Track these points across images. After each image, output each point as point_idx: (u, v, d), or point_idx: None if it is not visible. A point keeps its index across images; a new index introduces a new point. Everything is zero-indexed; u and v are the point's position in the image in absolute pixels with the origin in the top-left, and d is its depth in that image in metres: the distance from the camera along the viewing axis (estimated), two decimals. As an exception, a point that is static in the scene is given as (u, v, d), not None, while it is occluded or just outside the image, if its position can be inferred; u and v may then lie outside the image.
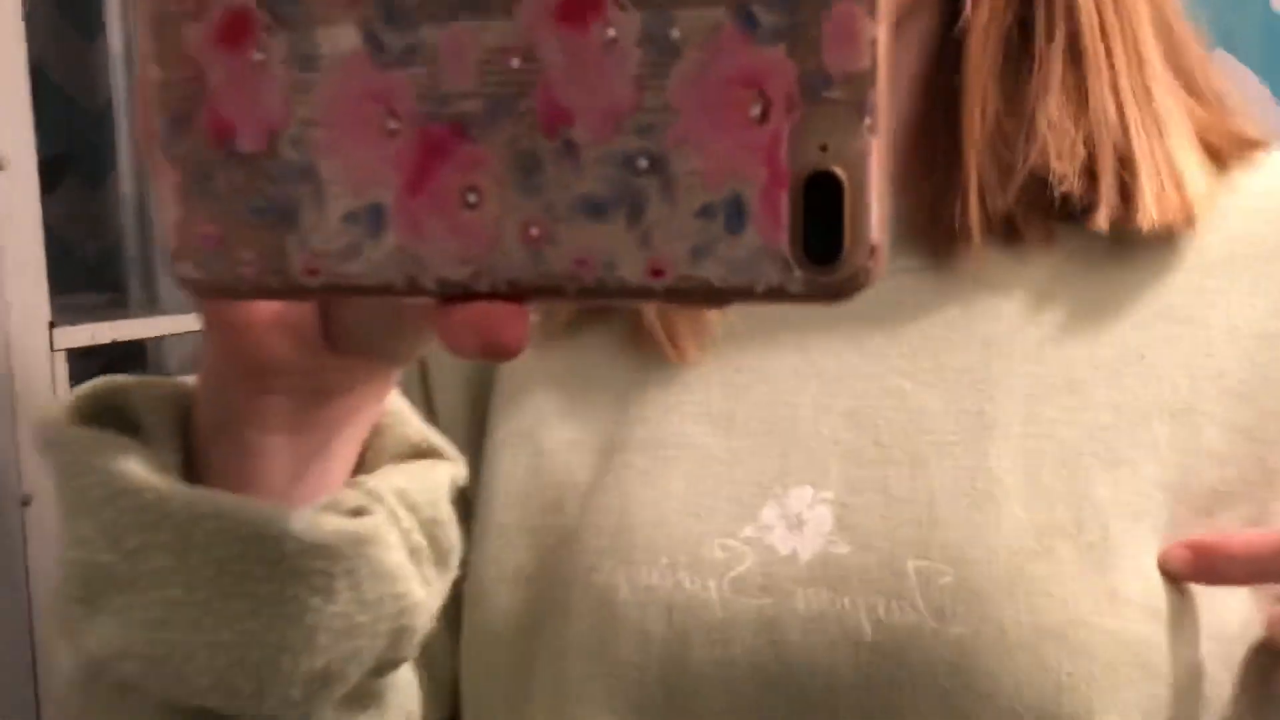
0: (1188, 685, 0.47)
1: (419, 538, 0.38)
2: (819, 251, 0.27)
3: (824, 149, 0.26)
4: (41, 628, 1.17)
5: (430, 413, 0.59)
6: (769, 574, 0.49)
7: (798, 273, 0.27)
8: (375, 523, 0.37)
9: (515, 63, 0.28)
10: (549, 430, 0.56)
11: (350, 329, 0.34)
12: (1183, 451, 0.49)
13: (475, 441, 0.58)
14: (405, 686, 0.45)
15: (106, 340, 1.30)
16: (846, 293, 0.27)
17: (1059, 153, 0.51)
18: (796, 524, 0.50)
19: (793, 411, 0.53)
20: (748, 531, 0.50)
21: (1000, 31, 0.52)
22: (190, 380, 0.39)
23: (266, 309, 0.34)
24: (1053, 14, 0.51)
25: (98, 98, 1.56)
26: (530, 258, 0.28)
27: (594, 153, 0.28)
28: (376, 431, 0.41)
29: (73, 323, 1.25)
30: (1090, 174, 0.51)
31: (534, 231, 0.28)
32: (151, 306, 1.54)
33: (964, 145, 0.52)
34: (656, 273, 0.27)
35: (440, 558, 0.40)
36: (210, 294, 0.32)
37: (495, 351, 0.28)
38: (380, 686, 0.42)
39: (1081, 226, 0.52)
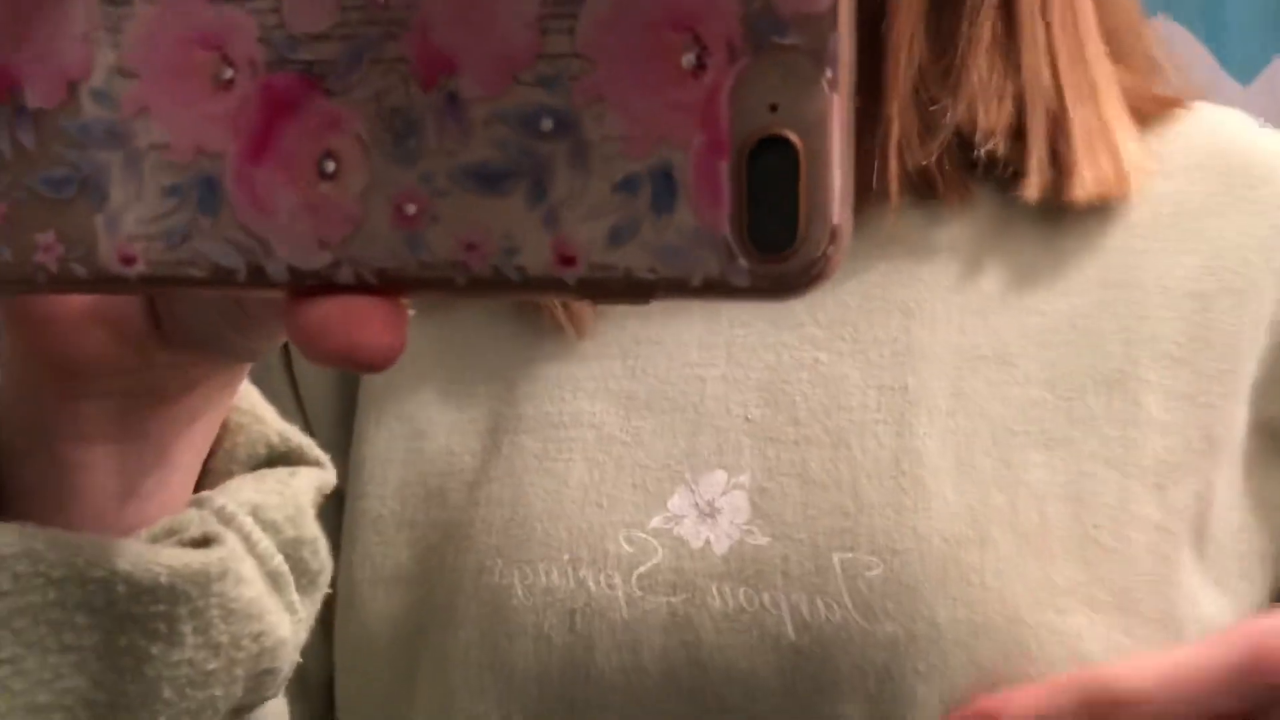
0: None
1: (279, 563, 0.33)
2: (768, 236, 0.22)
3: (774, 109, 0.21)
4: None
5: (295, 397, 0.53)
6: (680, 569, 0.45)
7: (741, 262, 0.22)
8: (224, 554, 0.31)
9: None
10: (428, 411, 0.50)
11: (184, 321, 0.28)
12: (1123, 423, 0.46)
13: (347, 426, 0.52)
14: (271, 715, 0.38)
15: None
16: (801, 286, 0.22)
17: (987, 109, 0.47)
18: (709, 513, 0.46)
19: (700, 386, 0.48)
20: (655, 522, 0.46)
21: None
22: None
23: (77, 298, 0.28)
24: None
25: None
26: (405, 241, 0.23)
27: (484, 110, 0.22)
28: (227, 431, 0.35)
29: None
30: (1018, 135, 0.47)
31: (409, 209, 0.23)
32: None
33: (885, 94, 0.47)
34: (566, 260, 0.22)
35: (308, 581, 0.34)
36: (1, 288, 0.25)
37: (361, 358, 0.23)
38: None
39: (1002, 188, 0.48)
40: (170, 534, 0.31)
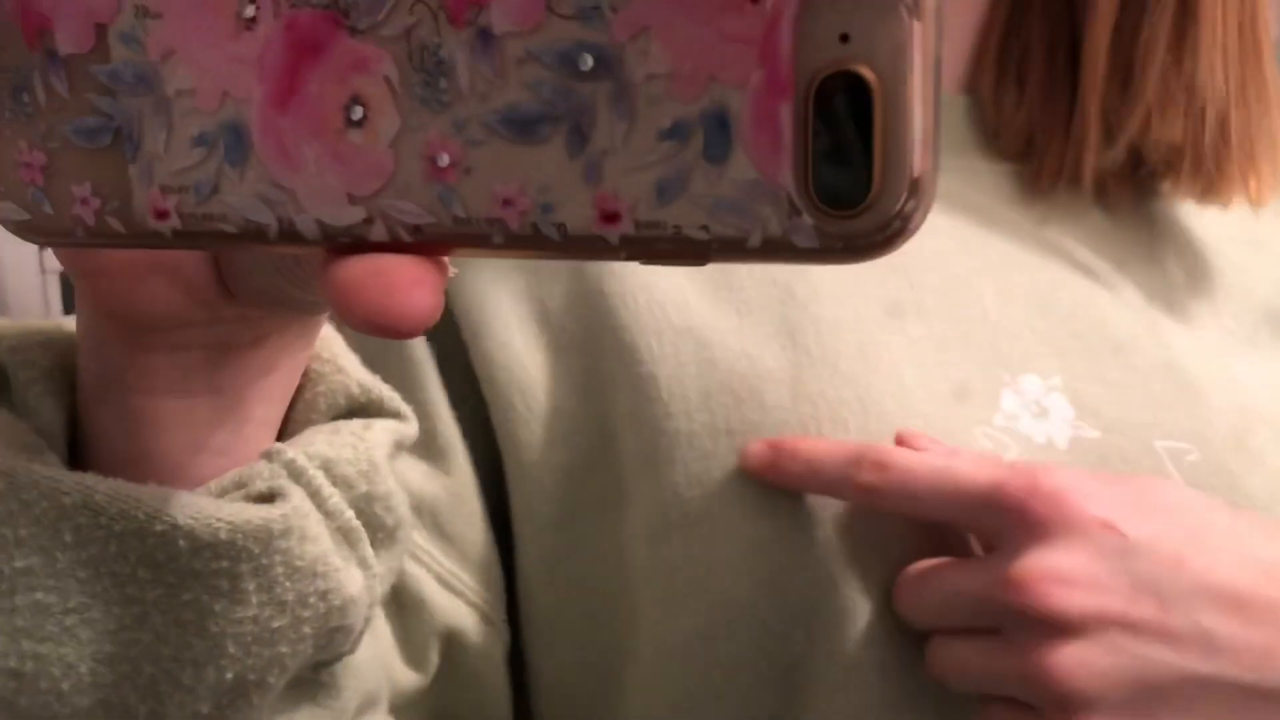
0: None
1: (350, 519, 0.31)
2: (837, 188, 0.19)
3: (845, 39, 0.18)
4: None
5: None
6: (1035, 461, 0.45)
7: (806, 218, 0.19)
8: (288, 510, 0.30)
9: None
10: (703, 318, 0.46)
11: (245, 275, 0.27)
12: None
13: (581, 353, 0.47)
14: (363, 665, 0.37)
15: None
16: (875, 247, 0.19)
17: (1162, 117, 0.50)
18: (1040, 412, 0.47)
19: (980, 300, 0.48)
20: (999, 420, 0.46)
21: None
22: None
23: (138, 250, 0.27)
24: None
25: None
26: (438, 196, 0.21)
27: (518, 47, 0.20)
28: (308, 381, 0.34)
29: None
30: (1185, 145, 0.50)
31: (442, 159, 0.20)
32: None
33: (1083, 91, 0.50)
34: (609, 217, 0.20)
35: (385, 535, 0.33)
36: (41, 240, 0.24)
37: (393, 324, 0.21)
38: (325, 676, 0.35)
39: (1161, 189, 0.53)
40: (238, 486, 0.30)
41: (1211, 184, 0.51)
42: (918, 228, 0.19)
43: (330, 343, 0.34)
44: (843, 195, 0.19)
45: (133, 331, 0.28)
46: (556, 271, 0.47)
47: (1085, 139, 0.51)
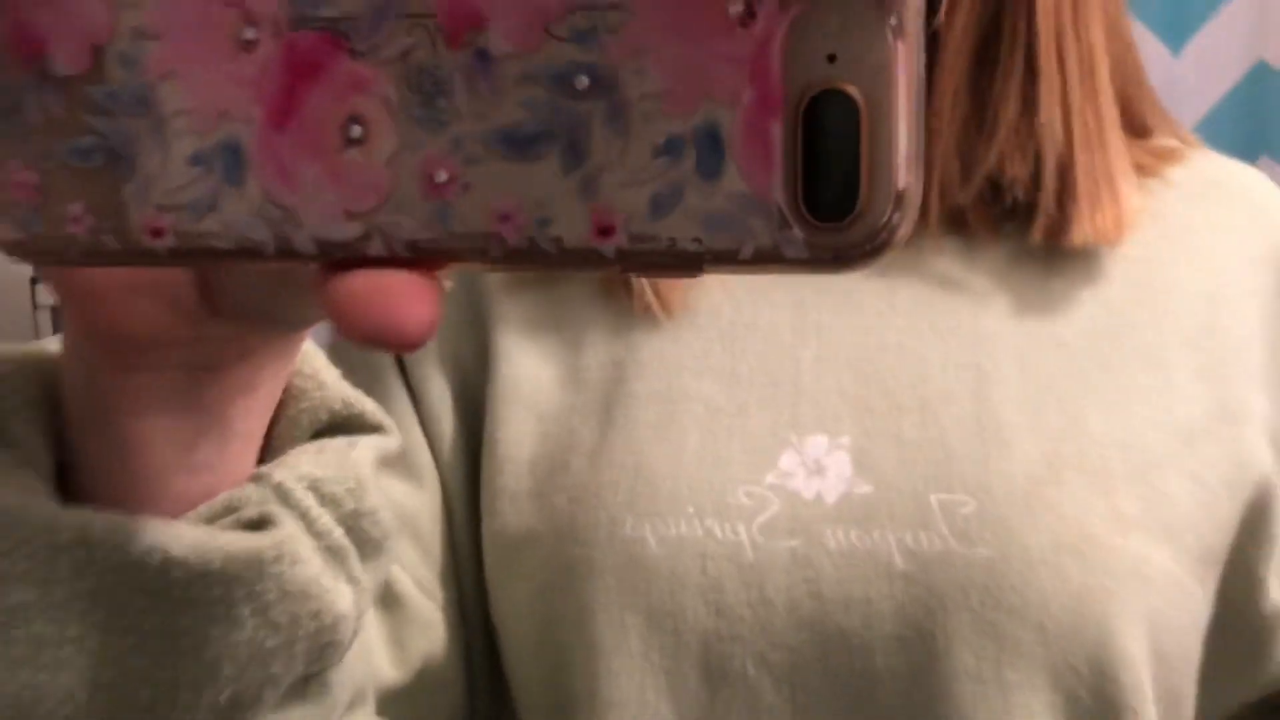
0: (1177, 599, 0.50)
1: (339, 538, 0.32)
2: (825, 201, 0.19)
3: (832, 60, 0.19)
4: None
5: (410, 398, 0.56)
6: (796, 516, 0.49)
7: (796, 231, 0.20)
8: (281, 537, 0.30)
9: None
10: (549, 398, 0.54)
11: (232, 292, 0.27)
12: (1159, 391, 0.53)
13: (464, 417, 0.56)
14: (350, 663, 0.37)
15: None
16: (862, 257, 0.20)
17: (1012, 158, 0.53)
18: (817, 470, 0.51)
19: (796, 365, 0.53)
20: (770, 479, 0.50)
21: (974, 34, 0.53)
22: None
23: (123, 270, 0.27)
24: (1016, 19, 0.53)
25: None
26: (435, 212, 0.21)
27: (515, 68, 0.20)
28: (290, 397, 0.34)
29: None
30: (1036, 181, 0.53)
31: (439, 176, 0.21)
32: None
33: (932, 140, 0.53)
34: (604, 231, 0.20)
35: (371, 549, 0.34)
36: (35, 259, 0.25)
37: (393, 336, 0.21)
38: (316, 681, 0.36)
39: (1023, 226, 0.55)
40: (229, 511, 0.31)
41: (1055, 223, 0.54)
42: (904, 239, 0.20)
43: (311, 358, 0.35)
44: (831, 208, 0.19)
45: (119, 351, 0.29)
46: (464, 331, 0.57)
47: (946, 176, 0.54)
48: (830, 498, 0.50)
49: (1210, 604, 0.52)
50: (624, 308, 0.55)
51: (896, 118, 0.19)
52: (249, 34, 0.22)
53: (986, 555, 0.48)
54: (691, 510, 0.49)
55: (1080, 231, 0.53)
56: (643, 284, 0.54)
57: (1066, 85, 0.53)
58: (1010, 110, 0.53)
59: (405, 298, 0.21)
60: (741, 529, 0.49)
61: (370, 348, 0.21)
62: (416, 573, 0.53)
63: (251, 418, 0.32)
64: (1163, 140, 0.59)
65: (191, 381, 0.30)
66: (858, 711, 0.48)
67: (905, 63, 0.19)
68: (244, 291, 0.27)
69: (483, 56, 0.20)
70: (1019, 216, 0.55)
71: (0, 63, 0.23)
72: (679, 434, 0.51)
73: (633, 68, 0.20)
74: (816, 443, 0.51)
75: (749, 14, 0.19)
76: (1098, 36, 0.54)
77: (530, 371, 0.55)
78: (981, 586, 0.47)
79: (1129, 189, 0.54)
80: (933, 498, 0.49)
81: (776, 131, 0.19)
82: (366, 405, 0.35)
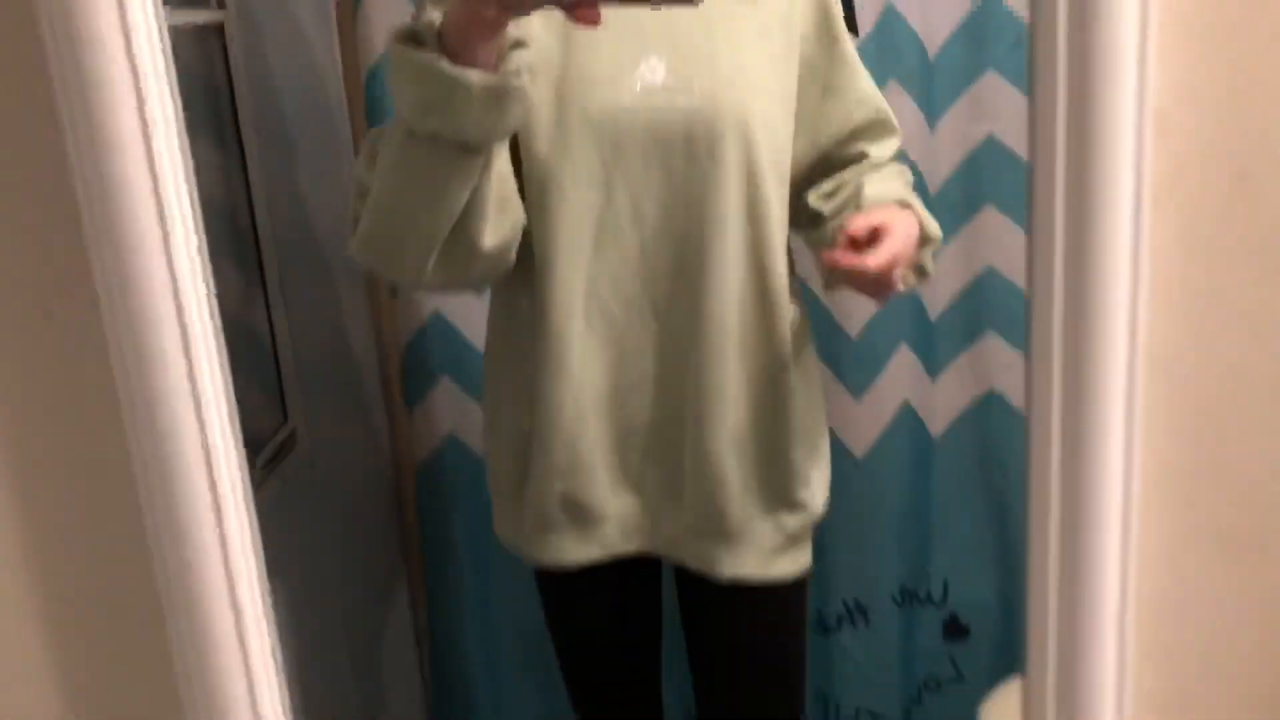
0: (771, 108, 1.22)
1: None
2: None
3: None
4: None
5: None
6: (650, 89, 1.17)
7: None
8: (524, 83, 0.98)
9: None
10: (550, 53, 1.18)
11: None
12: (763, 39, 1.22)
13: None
14: (518, 206, 1.14)
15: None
16: None
17: None
18: (652, 71, 1.17)
19: (641, 21, 1.16)
20: (643, 76, 1.17)
21: None
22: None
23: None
24: None
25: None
26: None
27: None
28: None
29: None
30: None
31: None
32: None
33: None
34: None
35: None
36: None
37: None
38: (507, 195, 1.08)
39: None
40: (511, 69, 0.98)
41: None
42: None
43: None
44: None
45: (471, 13, 0.93)
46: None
47: None
48: (657, 81, 1.17)
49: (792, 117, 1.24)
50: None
51: None
52: None
53: (701, 103, 1.17)
54: (607, 90, 1.17)
55: None
56: None
57: None
58: None
59: None
60: (629, 95, 1.16)
61: None
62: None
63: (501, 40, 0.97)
64: None
65: (493, 23, 0.94)
66: (665, 165, 1.17)
67: None
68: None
69: None
70: None
71: None
72: (603, 53, 1.17)
73: None
74: (653, 64, 1.17)
75: None
76: None
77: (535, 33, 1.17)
78: (706, 113, 1.16)
79: None
80: (698, 85, 1.17)
81: None
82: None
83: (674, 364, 1.22)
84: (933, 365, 1.76)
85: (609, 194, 1.18)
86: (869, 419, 1.75)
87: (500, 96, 0.97)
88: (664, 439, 1.24)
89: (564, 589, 1.35)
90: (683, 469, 1.24)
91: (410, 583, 1.87)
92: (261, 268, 1.45)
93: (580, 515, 1.26)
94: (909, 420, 1.76)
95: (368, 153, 1.09)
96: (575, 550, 1.28)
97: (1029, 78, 0.60)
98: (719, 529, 1.24)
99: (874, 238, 1.12)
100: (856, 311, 1.71)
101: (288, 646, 0.80)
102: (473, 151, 1.02)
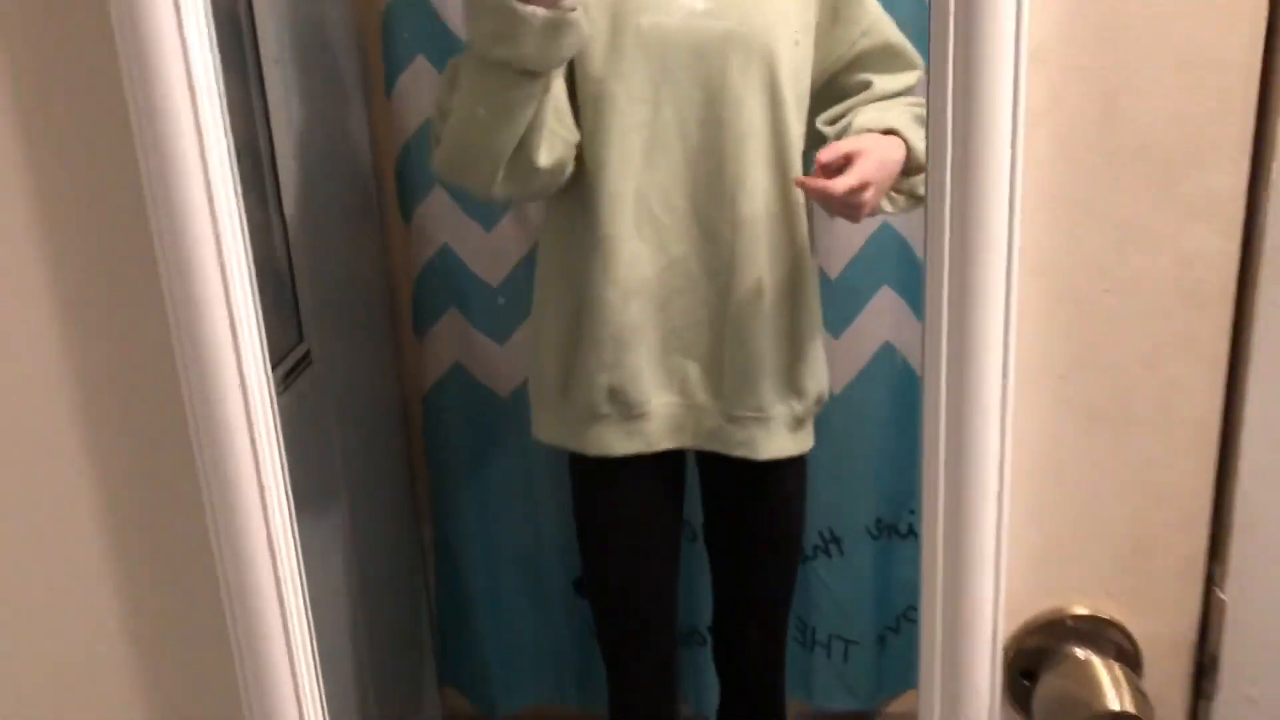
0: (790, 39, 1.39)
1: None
2: None
3: None
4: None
5: None
6: (691, 12, 1.35)
7: None
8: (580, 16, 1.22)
9: None
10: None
11: None
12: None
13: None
14: (571, 128, 1.33)
15: None
16: None
17: None
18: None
19: None
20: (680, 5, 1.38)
21: None
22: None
23: None
24: None
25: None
26: None
27: None
28: None
29: None
30: None
31: None
32: None
33: None
34: None
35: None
36: None
37: None
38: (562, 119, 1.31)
39: None
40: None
41: None
42: None
43: None
44: None
45: None
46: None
47: None
48: (699, 6, 1.35)
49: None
50: None
51: None
52: None
53: (735, 26, 1.35)
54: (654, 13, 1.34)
55: None
56: None
57: None
58: None
59: None
60: (678, 15, 1.34)
61: None
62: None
63: None
64: None
65: None
66: (704, 84, 1.33)
67: None
68: None
69: None
70: None
71: None
72: None
73: None
74: None
75: None
76: None
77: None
78: (739, 35, 1.34)
79: None
80: (730, 9, 1.35)
81: None
82: None
83: (713, 267, 1.35)
84: (921, 305, 1.80)
85: (656, 109, 1.32)
86: (848, 358, 1.83)
87: (557, 27, 1.16)
88: (704, 337, 1.37)
89: (601, 477, 1.46)
90: (722, 363, 1.37)
91: (415, 500, 1.98)
92: (280, 200, 1.54)
93: (626, 409, 1.39)
94: (888, 358, 1.83)
95: (447, 79, 1.28)
96: (621, 443, 1.41)
97: (930, 26, 0.70)
98: (756, 416, 1.39)
99: (846, 164, 1.23)
100: (836, 253, 1.79)
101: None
102: (534, 75, 1.20)
